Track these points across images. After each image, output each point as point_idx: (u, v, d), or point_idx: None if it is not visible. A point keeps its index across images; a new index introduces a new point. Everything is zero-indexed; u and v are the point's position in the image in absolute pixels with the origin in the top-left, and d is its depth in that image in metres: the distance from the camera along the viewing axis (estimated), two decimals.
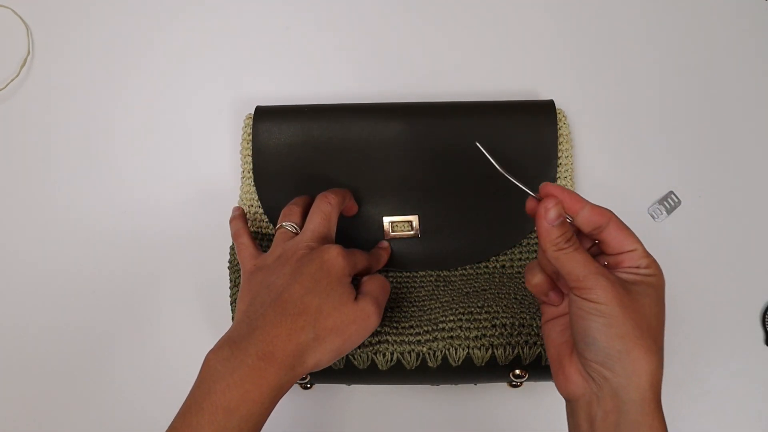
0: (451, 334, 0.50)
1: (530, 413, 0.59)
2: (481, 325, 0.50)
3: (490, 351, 0.50)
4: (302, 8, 0.65)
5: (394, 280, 0.56)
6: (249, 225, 0.57)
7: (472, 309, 0.51)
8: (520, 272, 0.56)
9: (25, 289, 0.62)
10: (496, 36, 0.65)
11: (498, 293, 0.53)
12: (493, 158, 0.57)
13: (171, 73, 0.65)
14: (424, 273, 0.57)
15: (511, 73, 0.64)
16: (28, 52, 0.65)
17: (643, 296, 0.41)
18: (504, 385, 0.57)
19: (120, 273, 0.62)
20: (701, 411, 0.59)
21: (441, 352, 0.50)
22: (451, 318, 0.51)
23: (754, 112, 0.63)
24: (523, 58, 0.64)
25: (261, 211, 0.58)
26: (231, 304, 0.55)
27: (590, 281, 0.40)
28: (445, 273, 0.57)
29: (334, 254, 0.47)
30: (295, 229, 0.51)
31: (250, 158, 0.58)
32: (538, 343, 0.50)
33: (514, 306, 0.51)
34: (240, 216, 0.54)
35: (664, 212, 0.61)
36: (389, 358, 0.50)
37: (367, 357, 0.50)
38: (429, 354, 0.50)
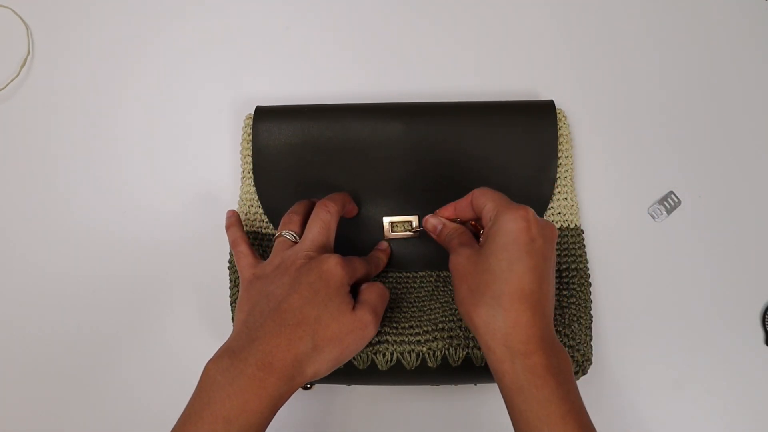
0: (451, 334, 0.50)
1: None
2: None
3: None
4: (302, 8, 0.65)
5: (394, 280, 0.57)
6: (249, 225, 0.57)
7: None
8: None
9: (25, 290, 0.62)
10: (497, 36, 0.65)
11: None
12: (493, 158, 0.57)
13: (171, 73, 0.65)
14: (423, 273, 0.57)
15: (512, 73, 0.64)
16: (28, 52, 0.65)
17: (488, 248, 0.45)
18: None
19: (120, 273, 0.62)
20: (701, 411, 0.59)
21: (441, 352, 0.50)
22: (451, 318, 0.51)
23: (754, 112, 0.63)
24: (523, 58, 0.64)
25: (261, 211, 0.58)
26: (231, 304, 0.55)
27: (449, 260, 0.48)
28: (444, 273, 0.57)
29: (333, 264, 0.47)
30: (295, 237, 0.51)
31: (250, 158, 0.58)
32: None
33: None
34: (236, 223, 0.54)
35: (664, 212, 0.61)
36: (389, 359, 0.50)
37: (367, 357, 0.50)
38: (429, 354, 0.50)
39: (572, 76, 0.64)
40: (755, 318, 0.60)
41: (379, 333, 0.51)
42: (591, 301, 0.56)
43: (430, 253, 0.57)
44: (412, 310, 0.53)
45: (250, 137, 0.58)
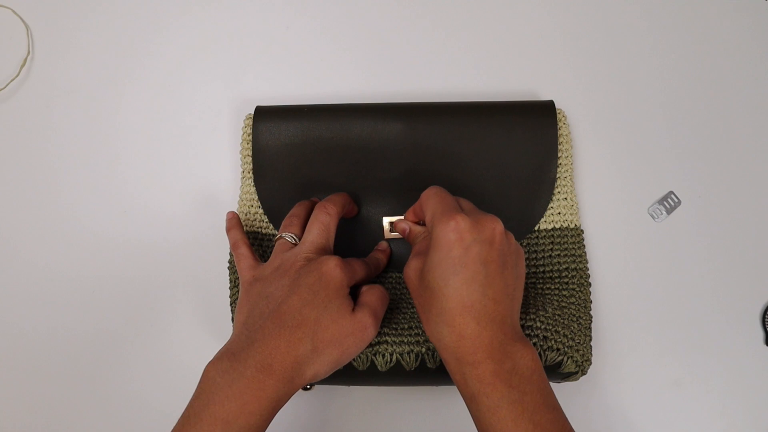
0: None
1: None
2: None
3: None
4: (302, 9, 0.65)
5: (394, 281, 0.57)
6: (249, 225, 0.57)
7: None
8: None
9: (24, 290, 0.62)
10: (497, 36, 0.65)
11: None
12: (493, 158, 0.57)
13: (171, 74, 0.65)
14: None
15: (511, 73, 0.64)
16: (28, 52, 0.65)
17: (429, 267, 0.45)
18: None
19: (119, 272, 0.62)
20: (701, 411, 0.59)
21: None
22: None
23: (754, 112, 0.63)
24: (524, 58, 0.64)
25: (261, 211, 0.58)
26: (231, 304, 0.55)
27: None
28: None
29: (332, 266, 0.47)
30: (294, 239, 0.51)
31: (250, 158, 0.58)
32: (538, 344, 0.50)
33: None
34: (237, 225, 0.54)
35: (664, 212, 0.61)
36: (388, 359, 0.50)
37: (367, 358, 0.50)
38: (428, 355, 0.50)
39: (572, 76, 0.64)
40: (755, 318, 0.60)
41: (378, 334, 0.51)
42: (591, 301, 0.56)
43: None
44: (412, 310, 0.53)
45: (250, 137, 0.58)
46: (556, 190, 0.57)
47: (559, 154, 0.57)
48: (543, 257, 0.56)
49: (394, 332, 0.51)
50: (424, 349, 0.50)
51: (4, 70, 0.65)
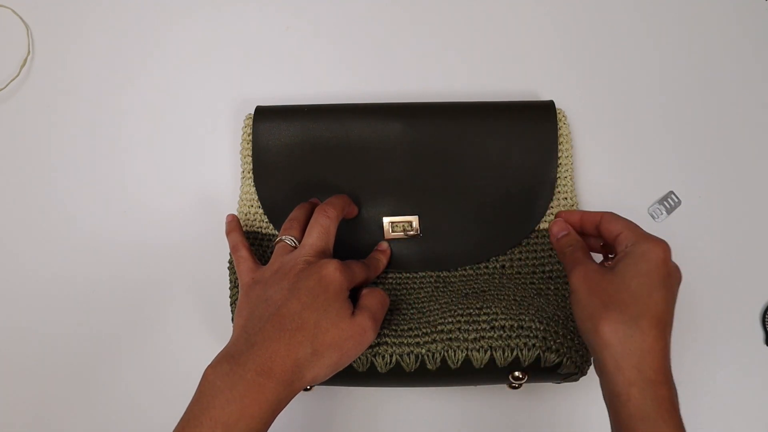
0: (450, 336, 0.50)
1: (530, 415, 0.59)
2: (480, 327, 0.50)
3: (488, 353, 0.49)
4: (302, 9, 0.65)
5: (394, 281, 0.56)
6: (249, 226, 0.57)
7: (471, 311, 0.51)
8: (520, 273, 0.56)
9: (24, 291, 0.62)
10: (497, 37, 0.65)
11: (497, 294, 0.53)
12: (493, 158, 0.57)
13: (171, 74, 0.65)
14: (423, 274, 0.57)
15: (511, 73, 0.64)
16: (28, 52, 0.65)
17: (625, 270, 0.44)
18: (504, 386, 0.57)
19: (119, 273, 0.62)
20: (701, 411, 0.59)
21: (440, 354, 0.50)
22: (450, 320, 0.51)
23: (754, 112, 0.63)
24: (523, 58, 0.64)
25: (261, 211, 0.58)
26: (231, 305, 0.55)
27: (570, 272, 0.47)
28: (444, 274, 0.57)
29: (332, 269, 0.47)
30: (294, 242, 0.51)
31: (250, 158, 0.58)
32: (537, 345, 0.50)
33: (513, 308, 0.51)
34: (237, 228, 0.54)
35: (664, 212, 0.61)
36: (388, 361, 0.50)
37: (366, 359, 0.50)
38: (428, 356, 0.50)
39: (572, 76, 0.64)
40: (755, 318, 0.60)
41: (378, 335, 0.51)
42: None
43: (429, 253, 0.57)
44: (411, 311, 0.53)
45: (250, 137, 0.58)
46: (556, 190, 0.57)
47: (559, 154, 0.57)
48: (543, 257, 0.56)
49: (394, 333, 0.51)
50: (424, 351, 0.50)
51: (4, 70, 0.65)
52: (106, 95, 0.64)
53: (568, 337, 0.50)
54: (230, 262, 0.56)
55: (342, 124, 0.57)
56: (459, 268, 0.57)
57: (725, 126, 0.63)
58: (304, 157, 0.58)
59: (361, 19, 0.65)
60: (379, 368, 0.50)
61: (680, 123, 0.63)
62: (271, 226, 0.57)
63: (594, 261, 0.47)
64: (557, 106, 0.59)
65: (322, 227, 0.50)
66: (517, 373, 0.50)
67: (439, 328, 0.50)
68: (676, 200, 0.62)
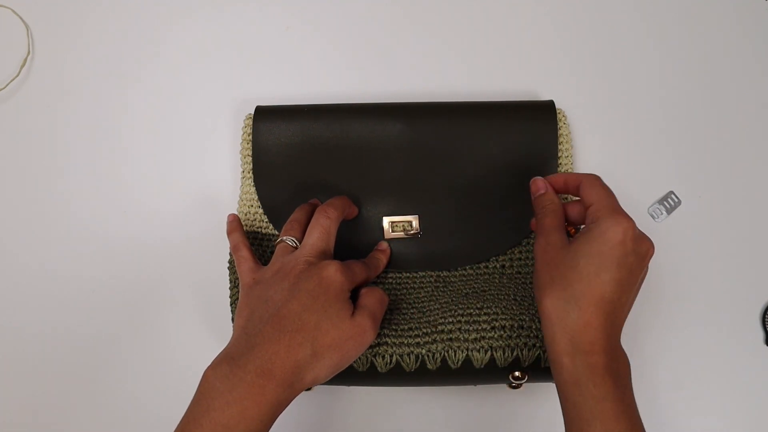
0: (450, 336, 0.50)
1: (530, 414, 0.59)
2: (480, 327, 0.50)
3: (489, 353, 0.50)
4: (302, 8, 0.65)
5: (394, 281, 0.56)
6: (249, 225, 0.57)
7: (471, 311, 0.51)
8: (520, 273, 0.56)
9: (24, 290, 0.62)
10: (497, 36, 0.65)
11: (497, 294, 0.53)
12: (493, 158, 0.57)
13: (171, 74, 0.65)
14: (423, 274, 0.57)
15: (511, 73, 0.64)
16: (28, 52, 0.65)
17: (579, 248, 0.45)
18: (504, 386, 0.57)
19: (119, 272, 0.62)
20: (701, 411, 0.59)
21: (440, 354, 0.50)
22: (450, 320, 0.51)
23: (754, 112, 0.63)
24: (523, 58, 0.64)
25: (261, 211, 0.58)
26: (231, 305, 0.55)
27: (535, 241, 0.49)
28: (444, 274, 0.57)
29: (333, 271, 0.47)
30: (295, 243, 0.51)
31: (250, 158, 0.58)
32: (537, 345, 0.50)
33: (514, 308, 0.51)
34: (238, 228, 0.54)
35: (664, 212, 0.61)
36: (388, 361, 0.50)
37: (367, 359, 0.50)
38: (428, 356, 0.50)
39: (572, 76, 0.64)
40: (755, 318, 0.60)
41: (378, 335, 0.51)
42: None
43: (429, 253, 0.57)
44: (412, 311, 0.53)
45: (250, 137, 0.58)
46: None
47: (559, 154, 0.57)
48: None
49: (394, 333, 0.51)
50: (424, 351, 0.50)
51: (4, 70, 0.65)
52: (106, 95, 0.64)
53: None
54: (230, 262, 0.56)
55: (342, 124, 0.58)
56: (459, 268, 0.57)
57: (725, 126, 0.63)
58: (304, 156, 0.58)
59: (361, 19, 0.65)
60: (379, 368, 0.50)
61: (680, 123, 0.63)
62: (271, 226, 0.57)
63: (559, 231, 0.48)
64: (557, 106, 0.59)
65: (322, 228, 0.50)
66: (517, 373, 0.51)
67: (440, 328, 0.51)
68: (676, 200, 0.62)
